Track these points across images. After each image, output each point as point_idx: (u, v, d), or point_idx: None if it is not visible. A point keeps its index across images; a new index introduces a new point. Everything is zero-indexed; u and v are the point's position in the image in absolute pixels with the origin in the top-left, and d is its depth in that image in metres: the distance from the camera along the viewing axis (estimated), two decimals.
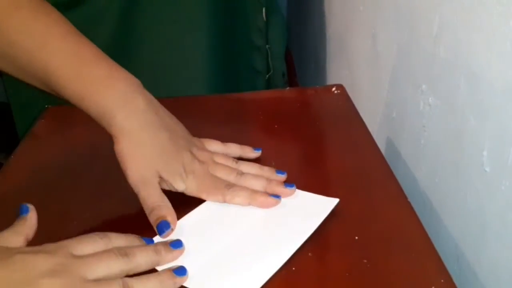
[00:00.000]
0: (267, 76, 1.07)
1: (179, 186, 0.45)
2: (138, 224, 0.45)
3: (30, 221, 0.39)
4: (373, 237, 0.43)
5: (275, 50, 1.06)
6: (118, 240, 0.39)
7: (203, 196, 0.46)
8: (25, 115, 0.87)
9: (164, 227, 0.42)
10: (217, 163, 0.48)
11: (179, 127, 0.49)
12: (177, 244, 0.40)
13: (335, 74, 1.16)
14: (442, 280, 0.39)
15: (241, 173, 0.48)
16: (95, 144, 0.53)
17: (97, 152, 0.55)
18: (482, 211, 0.46)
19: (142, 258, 0.37)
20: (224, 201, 0.46)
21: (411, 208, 0.47)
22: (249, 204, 0.45)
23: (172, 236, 0.42)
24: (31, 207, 0.40)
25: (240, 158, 0.52)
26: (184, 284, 0.37)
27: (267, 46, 1.03)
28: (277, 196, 0.46)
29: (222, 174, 0.47)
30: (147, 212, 0.44)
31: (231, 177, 0.47)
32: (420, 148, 0.61)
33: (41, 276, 0.31)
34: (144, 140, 0.44)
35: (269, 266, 0.39)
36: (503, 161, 0.42)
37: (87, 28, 0.89)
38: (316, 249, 0.42)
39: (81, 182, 0.52)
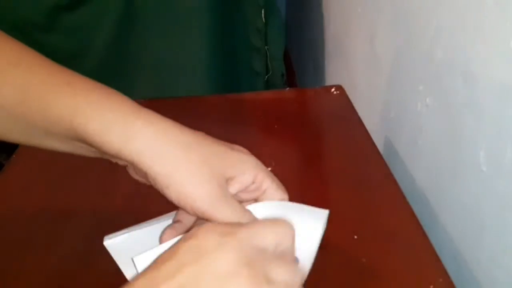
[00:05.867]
0: (266, 77, 1.07)
1: (251, 173, 0.36)
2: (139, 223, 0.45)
3: None
4: (372, 236, 0.43)
5: (274, 51, 1.06)
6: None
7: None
8: None
9: None
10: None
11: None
12: None
13: (333, 75, 1.16)
14: (440, 279, 0.39)
15: None
16: None
17: None
18: (479, 210, 0.47)
19: None
20: None
21: (409, 208, 0.47)
22: None
23: None
24: None
25: None
26: None
27: (266, 47, 1.04)
28: None
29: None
30: None
31: None
32: (417, 148, 0.61)
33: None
34: (189, 140, 0.33)
35: None
36: (500, 161, 0.42)
37: (88, 29, 0.90)
38: None
39: (83, 182, 0.52)
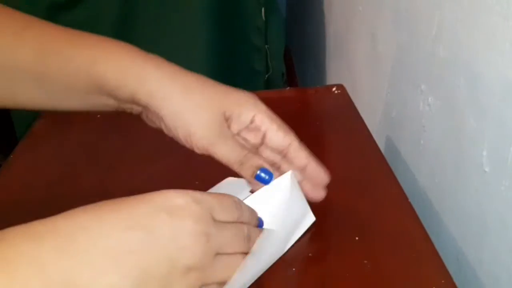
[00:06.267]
0: (266, 76, 1.07)
1: (249, 113, 0.38)
2: None
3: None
4: (374, 237, 0.43)
5: (274, 50, 1.06)
6: (246, 214, 0.35)
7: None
8: (23, 115, 0.88)
9: (268, 176, 0.38)
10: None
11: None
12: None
13: (334, 74, 1.16)
14: (442, 281, 0.39)
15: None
16: (95, 143, 0.53)
17: (97, 152, 0.55)
18: (482, 211, 0.46)
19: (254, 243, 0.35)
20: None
21: (412, 208, 0.47)
22: None
23: None
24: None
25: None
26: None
27: (266, 46, 1.04)
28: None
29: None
30: (234, 168, 0.38)
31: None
32: (419, 148, 0.61)
33: (184, 247, 0.29)
34: (193, 82, 0.37)
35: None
36: (503, 161, 0.42)
37: (85, 28, 0.89)
38: (316, 249, 0.42)
39: (81, 182, 0.52)
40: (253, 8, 0.98)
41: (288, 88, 1.01)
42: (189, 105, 0.36)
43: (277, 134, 0.39)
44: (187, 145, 0.38)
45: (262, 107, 0.39)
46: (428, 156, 0.59)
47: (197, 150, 0.38)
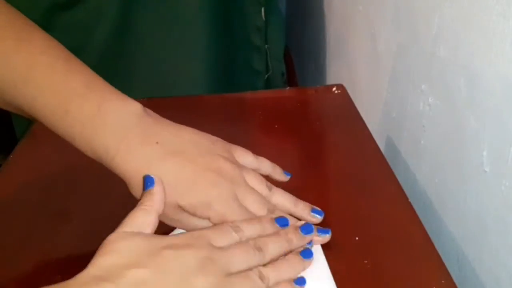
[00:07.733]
0: (266, 76, 1.06)
1: (203, 215, 0.40)
2: None
3: (157, 195, 0.38)
4: (374, 237, 0.43)
5: (274, 50, 1.06)
6: (251, 230, 0.38)
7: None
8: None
9: None
10: (247, 187, 0.41)
11: (193, 143, 0.42)
12: (308, 229, 0.40)
13: (334, 74, 1.16)
14: (442, 281, 0.39)
15: (272, 210, 0.42)
16: None
17: None
18: (482, 211, 0.46)
19: (275, 250, 0.37)
20: None
21: (412, 208, 0.47)
22: None
23: None
24: (156, 179, 0.38)
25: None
26: None
27: (266, 46, 1.03)
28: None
29: (251, 205, 0.41)
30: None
31: (261, 212, 0.41)
32: (420, 148, 0.61)
33: (194, 275, 0.32)
34: (154, 170, 0.40)
35: None
36: (503, 161, 0.42)
37: (85, 27, 0.89)
38: None
39: (81, 182, 0.52)
40: (253, 8, 0.98)
41: (288, 88, 1.01)
42: None
43: None
44: None
45: (216, 210, 0.39)
46: (428, 156, 0.59)
47: None
